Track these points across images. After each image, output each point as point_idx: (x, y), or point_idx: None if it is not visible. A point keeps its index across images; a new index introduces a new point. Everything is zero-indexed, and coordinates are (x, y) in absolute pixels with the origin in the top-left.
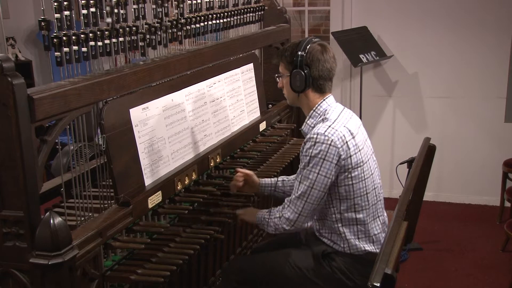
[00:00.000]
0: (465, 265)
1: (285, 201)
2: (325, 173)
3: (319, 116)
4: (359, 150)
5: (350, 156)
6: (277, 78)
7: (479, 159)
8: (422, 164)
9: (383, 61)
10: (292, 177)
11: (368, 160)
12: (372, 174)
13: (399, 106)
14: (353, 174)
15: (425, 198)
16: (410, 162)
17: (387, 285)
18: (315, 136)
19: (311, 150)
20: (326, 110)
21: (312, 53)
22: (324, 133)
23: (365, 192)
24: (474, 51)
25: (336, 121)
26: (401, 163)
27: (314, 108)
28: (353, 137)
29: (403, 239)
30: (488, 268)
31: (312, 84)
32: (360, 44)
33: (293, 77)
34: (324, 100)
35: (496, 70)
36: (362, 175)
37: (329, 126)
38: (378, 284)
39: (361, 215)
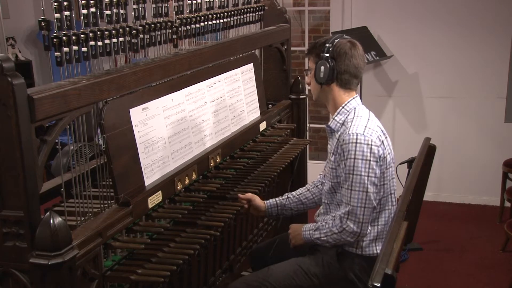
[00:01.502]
0: (465, 265)
1: (340, 214)
2: (373, 174)
3: (349, 113)
4: (391, 151)
5: (386, 156)
6: (306, 74)
7: (479, 159)
8: (422, 164)
9: (383, 61)
10: (296, 192)
11: (393, 163)
12: (393, 178)
13: (399, 106)
14: (385, 175)
15: (425, 198)
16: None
17: (387, 285)
18: (354, 137)
19: (354, 152)
20: (355, 108)
21: (340, 46)
22: (363, 133)
23: (389, 193)
24: (474, 51)
25: (370, 120)
26: (401, 163)
27: (343, 105)
28: (386, 138)
29: (403, 239)
30: (488, 268)
31: (337, 78)
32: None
33: (317, 68)
34: (353, 98)
35: (496, 70)
36: (389, 176)
37: (365, 126)
38: (378, 284)
39: (382, 217)
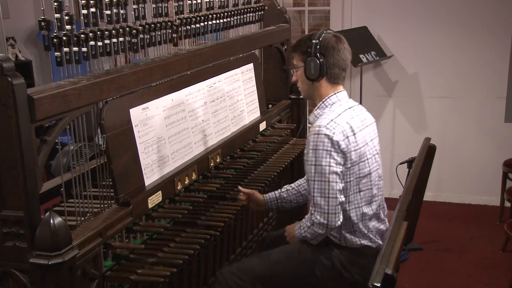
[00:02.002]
0: (465, 265)
1: (310, 207)
2: (334, 163)
3: (326, 107)
4: (359, 148)
5: (350, 152)
6: (292, 72)
7: (479, 159)
8: (422, 164)
9: (383, 61)
10: (295, 183)
11: (367, 159)
12: (370, 173)
13: (399, 106)
14: (351, 171)
15: (425, 198)
16: (410, 162)
17: (387, 285)
18: (317, 128)
19: (315, 143)
20: (334, 103)
21: (326, 41)
22: (326, 125)
23: (357, 190)
24: (474, 51)
25: (340, 116)
26: (401, 163)
27: (323, 100)
28: (354, 134)
29: (403, 239)
30: (488, 268)
31: (327, 72)
32: (360, 44)
33: (307, 64)
34: (335, 93)
35: (496, 70)
36: (358, 172)
37: (331, 120)
38: (378, 284)
39: (354, 213)
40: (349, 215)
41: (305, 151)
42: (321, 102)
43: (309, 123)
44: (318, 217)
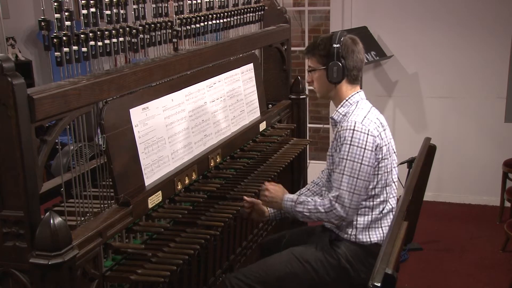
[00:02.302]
0: (465, 265)
1: (329, 197)
2: (367, 162)
3: (352, 105)
4: (388, 143)
5: (382, 147)
6: (309, 73)
7: (479, 159)
8: (422, 164)
9: (383, 61)
10: (297, 193)
11: (391, 155)
12: (392, 170)
13: (399, 106)
14: (381, 165)
15: (425, 198)
16: (410, 162)
17: (387, 285)
18: (353, 124)
19: (350, 138)
20: (358, 101)
21: (346, 45)
22: (361, 122)
23: (385, 185)
24: (474, 51)
25: (370, 112)
26: (401, 163)
27: (347, 98)
28: (384, 130)
29: (403, 239)
30: (488, 268)
31: (347, 75)
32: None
33: (330, 69)
34: (357, 92)
35: (496, 70)
36: (386, 168)
37: (365, 117)
38: (378, 284)
39: (377, 206)
40: (375, 209)
41: (334, 144)
42: (344, 101)
43: (332, 121)
44: (339, 209)
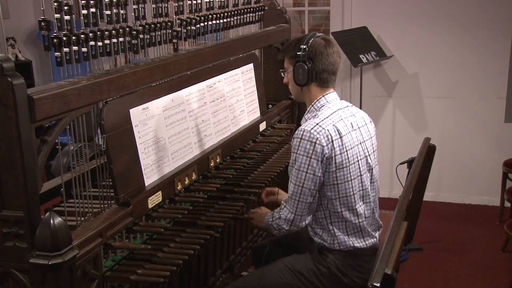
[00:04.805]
0: (465, 265)
1: (282, 201)
2: (312, 172)
3: (316, 111)
4: (346, 151)
5: (334, 156)
6: (282, 74)
7: (479, 159)
8: (422, 164)
9: (383, 61)
10: None
11: (357, 161)
12: (361, 175)
13: (399, 106)
14: (337, 174)
15: (425, 198)
16: (410, 162)
17: (387, 285)
18: (301, 132)
19: (297, 147)
20: (322, 106)
21: (315, 47)
22: (310, 131)
23: (351, 193)
24: (474, 51)
25: (326, 119)
26: (401, 163)
27: (312, 103)
28: (341, 137)
29: (403, 239)
30: (488, 268)
31: (316, 77)
32: (360, 44)
33: (296, 70)
34: (323, 96)
35: (496, 70)
36: (348, 175)
37: (316, 124)
38: (378, 284)
39: (348, 215)
40: (342, 216)
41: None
42: (310, 106)
43: None
44: (286, 212)
